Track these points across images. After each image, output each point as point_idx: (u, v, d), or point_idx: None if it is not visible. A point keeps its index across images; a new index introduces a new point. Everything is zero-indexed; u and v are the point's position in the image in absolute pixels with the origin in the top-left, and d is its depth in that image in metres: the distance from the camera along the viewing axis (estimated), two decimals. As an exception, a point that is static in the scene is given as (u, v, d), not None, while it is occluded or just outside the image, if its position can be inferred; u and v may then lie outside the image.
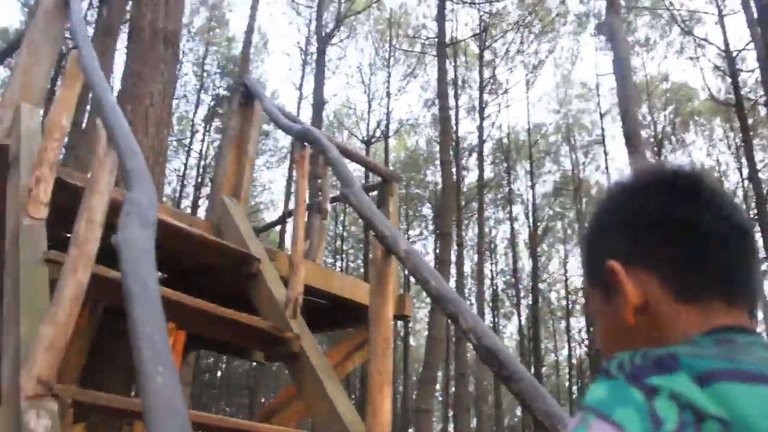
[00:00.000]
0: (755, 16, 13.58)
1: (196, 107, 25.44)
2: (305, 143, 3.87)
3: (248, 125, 4.65)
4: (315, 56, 18.32)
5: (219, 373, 30.60)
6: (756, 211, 18.87)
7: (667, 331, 0.67)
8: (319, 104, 15.43)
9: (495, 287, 28.41)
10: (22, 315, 2.33)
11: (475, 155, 22.95)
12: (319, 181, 4.71)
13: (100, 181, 2.18)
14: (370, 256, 3.13)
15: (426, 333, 17.15)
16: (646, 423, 0.52)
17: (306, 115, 18.78)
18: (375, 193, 5.27)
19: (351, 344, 4.59)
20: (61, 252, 2.62)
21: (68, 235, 3.72)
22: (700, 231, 0.69)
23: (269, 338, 3.23)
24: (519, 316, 28.09)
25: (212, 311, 2.95)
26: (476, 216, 21.60)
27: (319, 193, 4.83)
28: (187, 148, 25.32)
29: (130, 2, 5.75)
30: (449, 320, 2.55)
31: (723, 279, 0.68)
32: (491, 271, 28.48)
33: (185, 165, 25.54)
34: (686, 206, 0.70)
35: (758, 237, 20.98)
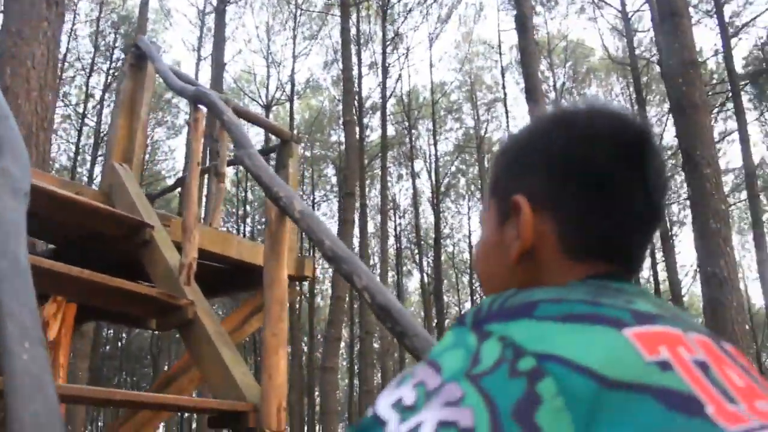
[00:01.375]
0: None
1: (90, 72, 24.16)
2: (199, 105, 3.77)
3: (140, 88, 4.46)
4: (214, 16, 17.76)
5: (120, 344, 29.83)
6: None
7: (545, 280, 0.65)
8: (218, 66, 14.98)
9: (399, 245, 28.73)
10: None
11: (378, 114, 22.94)
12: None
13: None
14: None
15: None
16: (466, 362, 0.51)
17: (205, 79, 18.24)
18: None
19: (249, 308, 4.56)
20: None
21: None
22: (615, 192, 0.66)
23: (162, 306, 3.16)
24: (422, 272, 28.55)
25: (100, 281, 2.85)
26: (379, 175, 21.68)
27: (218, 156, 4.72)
28: (81, 116, 24.09)
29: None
30: (345, 279, 2.56)
31: (621, 245, 0.67)
32: (395, 229, 28.78)
33: (79, 133, 24.37)
34: (609, 160, 0.67)
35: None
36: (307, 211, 2.67)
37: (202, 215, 6.25)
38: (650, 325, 0.55)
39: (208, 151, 12.70)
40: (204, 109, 3.72)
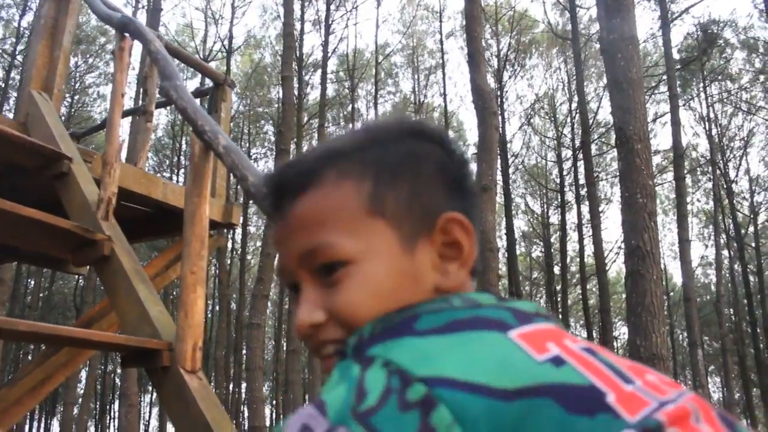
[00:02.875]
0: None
1: (23, 11, 22.99)
2: (125, 34, 3.59)
3: (63, 14, 4.20)
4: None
5: (42, 295, 28.94)
6: (582, 141, 20.11)
7: None
8: (155, 11, 14.43)
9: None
10: None
11: (319, 72, 22.62)
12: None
13: None
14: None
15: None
16: (350, 397, 0.46)
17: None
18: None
19: (174, 252, 4.43)
20: None
21: None
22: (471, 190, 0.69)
23: (77, 241, 3.03)
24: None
25: (9, 209, 2.70)
26: (317, 134, 21.44)
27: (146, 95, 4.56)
28: (11, 55, 22.98)
29: None
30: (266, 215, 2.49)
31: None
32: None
33: (8, 72, 23.26)
34: (459, 161, 0.68)
35: (580, 168, 22.49)
36: (231, 146, 2.59)
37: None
38: (532, 324, 0.54)
39: (141, 96, 12.28)
40: (130, 38, 3.55)
